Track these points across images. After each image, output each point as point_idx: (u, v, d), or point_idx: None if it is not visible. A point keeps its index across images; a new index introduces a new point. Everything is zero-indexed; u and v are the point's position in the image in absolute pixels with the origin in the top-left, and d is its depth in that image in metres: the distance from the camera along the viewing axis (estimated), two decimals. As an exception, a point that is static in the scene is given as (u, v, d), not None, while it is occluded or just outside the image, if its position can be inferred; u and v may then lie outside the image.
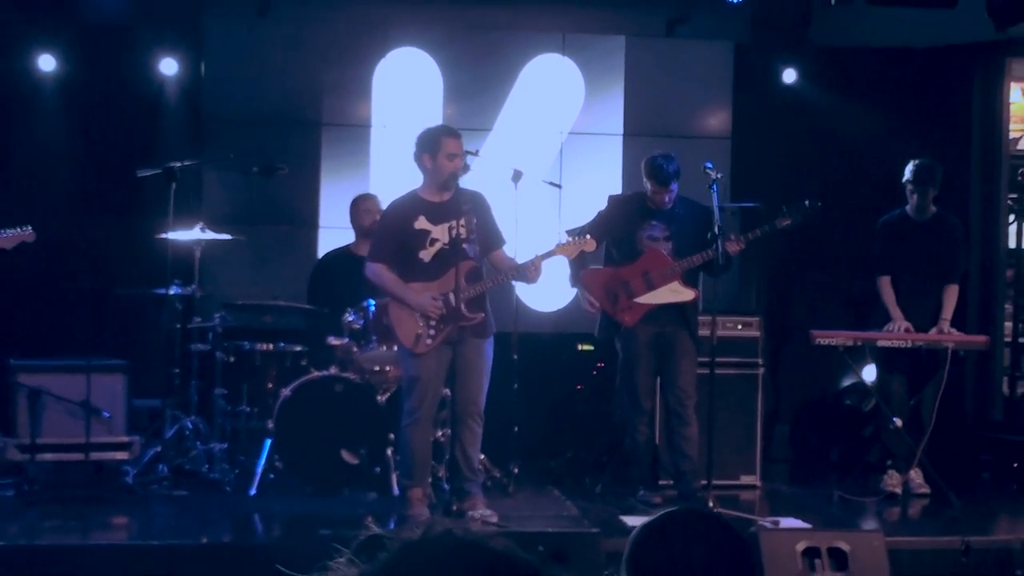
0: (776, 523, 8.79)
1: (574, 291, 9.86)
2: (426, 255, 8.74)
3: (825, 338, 10.02)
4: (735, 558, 2.87)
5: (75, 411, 9.78)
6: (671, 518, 2.92)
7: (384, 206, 9.82)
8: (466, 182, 8.84)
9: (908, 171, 10.04)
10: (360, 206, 10.47)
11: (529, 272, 8.67)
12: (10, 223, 8.88)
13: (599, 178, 11.65)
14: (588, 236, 9.05)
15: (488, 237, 8.77)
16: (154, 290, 10.05)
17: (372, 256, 8.92)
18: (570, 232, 10.37)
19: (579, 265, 9.42)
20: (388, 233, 8.89)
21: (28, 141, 11.30)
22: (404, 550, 1.15)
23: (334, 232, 11.24)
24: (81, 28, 10.96)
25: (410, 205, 8.81)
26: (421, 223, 8.73)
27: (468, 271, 8.64)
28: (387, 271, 8.78)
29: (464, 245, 8.63)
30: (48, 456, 9.71)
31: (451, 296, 8.62)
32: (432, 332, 8.66)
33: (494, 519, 8.69)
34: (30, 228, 8.89)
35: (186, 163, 10.15)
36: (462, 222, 8.63)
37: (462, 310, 8.60)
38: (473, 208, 8.68)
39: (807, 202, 9.36)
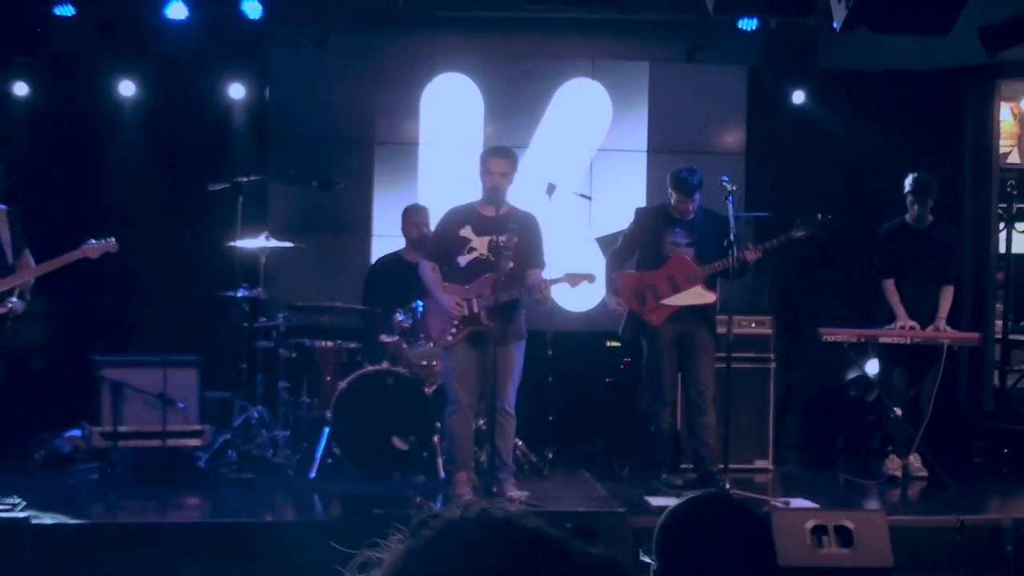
0: (787, 503, 8.78)
1: (602, 293, 9.84)
2: (463, 260, 8.79)
3: (831, 335, 9.99)
4: (753, 537, 2.87)
5: (153, 402, 9.82)
6: (696, 502, 2.93)
7: (431, 217, 9.91)
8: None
9: (908, 183, 10.03)
10: (409, 219, 10.49)
11: (536, 292, 8.66)
12: (96, 235, 8.94)
13: (625, 190, 11.65)
14: (592, 274, 8.99)
15: (528, 256, 8.75)
16: (224, 293, 10.07)
17: (423, 254, 9.08)
18: (599, 240, 10.43)
19: (613, 272, 9.49)
20: (438, 235, 8.98)
21: (111, 159, 11.37)
22: (445, 527, 1.17)
23: (386, 240, 11.25)
24: (158, 57, 10.99)
25: (462, 214, 8.87)
26: (466, 232, 8.78)
27: (494, 282, 8.63)
28: (432, 269, 8.86)
29: (500, 259, 8.64)
30: (129, 443, 9.76)
31: (474, 302, 8.66)
32: (453, 331, 8.72)
33: (529, 500, 8.72)
34: (113, 240, 8.93)
35: (252, 178, 10.21)
36: (503, 238, 8.64)
37: (480, 316, 8.63)
38: (519, 228, 8.68)
39: (820, 215, 9.34)
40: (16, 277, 8.70)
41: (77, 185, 11.19)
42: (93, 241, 8.86)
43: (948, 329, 10.03)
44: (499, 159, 8.77)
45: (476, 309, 8.64)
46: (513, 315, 8.80)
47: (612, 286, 9.59)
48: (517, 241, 8.65)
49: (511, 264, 8.64)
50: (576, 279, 8.81)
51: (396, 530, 1.30)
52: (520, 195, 9.20)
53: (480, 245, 8.73)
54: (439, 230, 9.00)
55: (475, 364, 8.75)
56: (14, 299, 8.69)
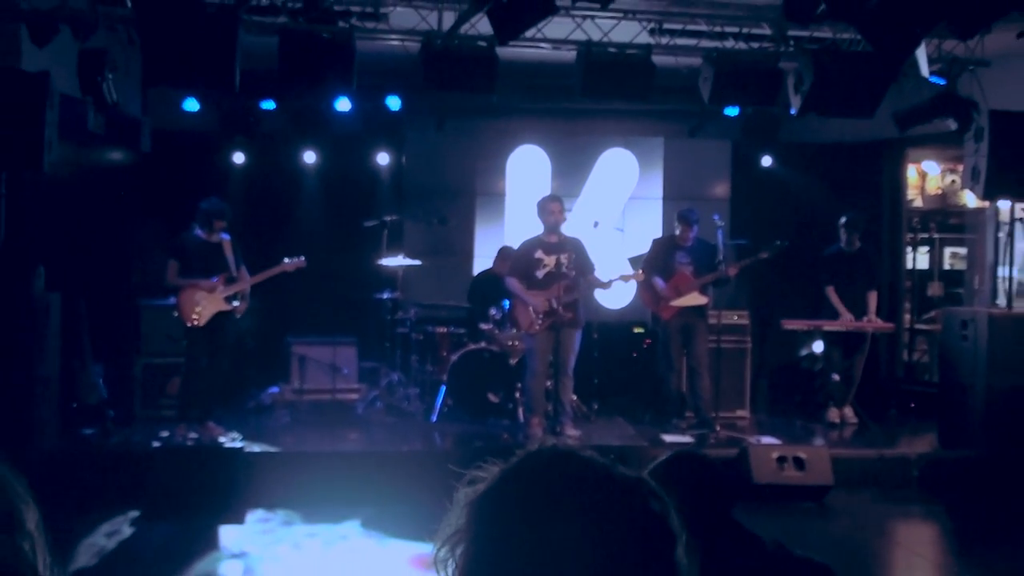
0: (759, 440, 8.70)
1: (631, 295, 9.82)
2: (539, 274, 8.82)
3: (790, 324, 9.94)
4: (719, 479, 2.61)
5: (325, 369, 9.93)
6: (669, 461, 2.63)
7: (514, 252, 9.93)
8: (563, 227, 8.88)
9: (842, 220, 9.99)
10: (501, 257, 10.44)
11: (604, 286, 8.90)
12: (291, 254, 9.01)
13: (648, 225, 11.59)
14: (640, 271, 9.11)
15: (583, 266, 8.82)
16: (374, 295, 10.17)
17: (508, 272, 9.09)
18: (631, 259, 10.39)
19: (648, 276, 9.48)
20: (519, 258, 8.98)
21: (299, 205, 11.52)
22: (527, 456, 1.16)
23: (482, 259, 11.29)
24: (330, 136, 11.11)
25: (534, 242, 8.93)
26: (539, 254, 8.81)
27: (565, 286, 8.64)
28: (517, 282, 8.88)
29: (564, 270, 8.67)
30: (310, 397, 9.88)
31: (552, 300, 8.65)
32: (539, 321, 8.74)
33: (580, 437, 8.70)
34: (303, 257, 8.97)
35: (393, 217, 10.28)
36: (565, 256, 8.70)
37: (559, 310, 8.62)
38: (573, 248, 8.82)
39: (777, 242, 9.36)
40: (238, 284, 8.80)
41: (276, 223, 11.30)
42: (287, 259, 8.93)
43: (876, 320, 9.93)
44: (555, 202, 8.86)
45: (555, 306, 8.65)
46: (577, 309, 8.84)
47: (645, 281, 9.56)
48: (575, 258, 8.70)
49: (573, 272, 8.70)
50: (627, 277, 9.01)
51: (491, 458, 1.29)
52: (574, 229, 9.20)
53: (550, 262, 8.78)
54: (519, 254, 9.02)
55: (549, 344, 8.76)
56: (237, 302, 8.80)
